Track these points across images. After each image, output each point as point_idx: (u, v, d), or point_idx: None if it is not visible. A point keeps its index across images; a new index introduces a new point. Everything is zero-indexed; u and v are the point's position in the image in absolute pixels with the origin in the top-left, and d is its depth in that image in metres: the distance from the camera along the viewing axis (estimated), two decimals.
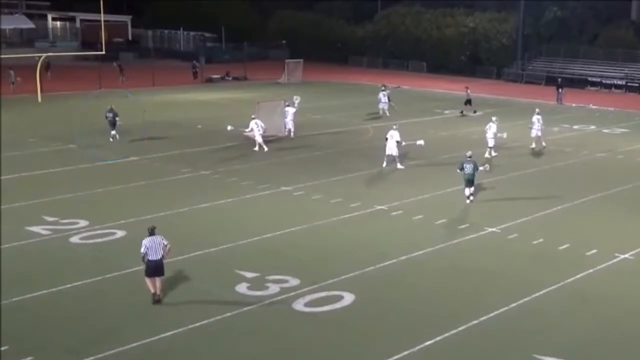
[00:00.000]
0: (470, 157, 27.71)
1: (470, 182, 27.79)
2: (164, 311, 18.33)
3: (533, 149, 37.89)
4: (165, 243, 18.66)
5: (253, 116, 37.05)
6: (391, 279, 20.76)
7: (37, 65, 53.13)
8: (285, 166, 33.68)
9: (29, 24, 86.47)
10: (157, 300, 18.67)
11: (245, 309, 18.44)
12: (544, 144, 38.30)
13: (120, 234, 23.81)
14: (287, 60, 69.72)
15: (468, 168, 27.56)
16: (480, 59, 75.06)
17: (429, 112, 50.49)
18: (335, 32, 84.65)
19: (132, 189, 29.42)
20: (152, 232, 18.62)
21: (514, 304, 18.95)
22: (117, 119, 38.23)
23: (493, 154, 35.08)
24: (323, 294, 19.39)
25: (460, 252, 22.90)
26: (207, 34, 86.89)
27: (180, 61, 78.73)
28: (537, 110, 39.00)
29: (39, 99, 48.69)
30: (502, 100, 56.59)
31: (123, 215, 25.46)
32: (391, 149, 32.85)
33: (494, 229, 24.88)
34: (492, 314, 18.35)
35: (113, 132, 38.27)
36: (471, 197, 27.91)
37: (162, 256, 18.57)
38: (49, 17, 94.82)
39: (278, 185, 29.98)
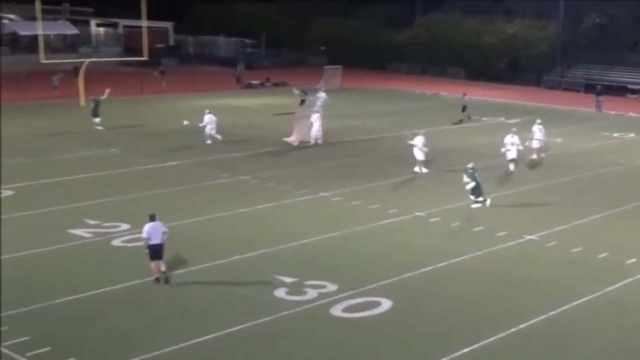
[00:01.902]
0: (472, 168, 27.96)
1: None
2: (203, 315, 18.53)
3: (533, 159, 36.46)
4: (165, 230, 20.19)
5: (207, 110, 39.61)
6: (429, 285, 20.81)
7: (79, 70, 53.96)
8: (324, 172, 33.83)
9: (73, 30, 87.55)
10: (166, 281, 20.12)
11: (283, 313, 18.59)
12: (543, 155, 37.01)
13: None
14: (325, 67, 69.88)
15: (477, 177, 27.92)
16: (519, 66, 74.64)
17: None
18: (374, 38, 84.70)
19: (172, 194, 29.75)
20: (152, 219, 20.22)
21: (552, 312, 18.89)
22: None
23: (511, 168, 34.42)
24: (361, 299, 19.47)
25: (499, 260, 22.86)
26: (247, 40, 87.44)
27: (220, 67, 79.35)
28: (538, 120, 37.87)
29: (82, 103, 49.34)
30: (540, 108, 56.20)
31: (163, 219, 25.60)
32: (417, 154, 33.25)
33: (532, 237, 24.81)
34: (530, 322, 18.31)
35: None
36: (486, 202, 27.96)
37: (163, 241, 20.09)
38: (92, 23, 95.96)
39: (317, 190, 30.14)
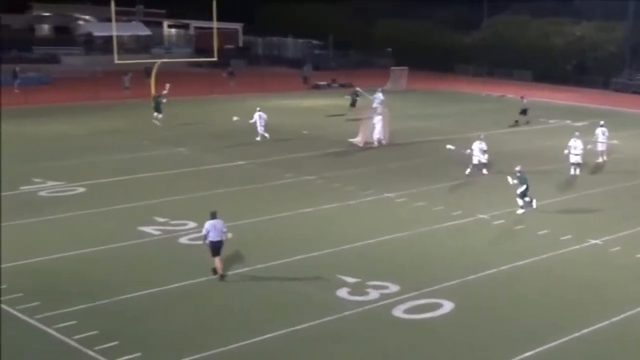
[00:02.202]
0: (520, 171, 27.71)
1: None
2: (265, 313, 18.82)
3: (597, 163, 36.25)
4: (225, 230, 20.78)
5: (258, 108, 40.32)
6: (492, 288, 20.81)
7: (151, 71, 55.07)
8: (388, 173, 33.96)
9: (146, 31, 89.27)
10: (221, 277, 20.61)
11: (345, 313, 18.77)
12: (605, 158, 36.58)
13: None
14: (392, 68, 69.92)
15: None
16: (587, 68, 73.52)
17: (534, 121, 49.86)
18: (441, 40, 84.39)
19: (238, 193, 30.22)
20: (214, 216, 20.77)
21: (616, 318, 18.73)
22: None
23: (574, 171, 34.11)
24: (423, 301, 19.57)
25: (563, 263, 22.73)
26: (314, 41, 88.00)
27: (288, 68, 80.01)
28: (601, 122, 37.37)
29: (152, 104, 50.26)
30: (608, 111, 55.35)
31: (229, 218, 25.95)
32: (477, 157, 33.25)
33: (596, 241, 24.59)
34: (594, 327, 18.20)
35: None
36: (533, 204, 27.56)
37: (222, 239, 20.65)
38: (165, 24, 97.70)
39: (381, 191, 30.29)
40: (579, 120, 49.26)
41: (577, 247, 24.13)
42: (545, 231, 25.58)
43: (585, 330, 18.00)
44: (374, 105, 45.92)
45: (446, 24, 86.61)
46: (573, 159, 33.61)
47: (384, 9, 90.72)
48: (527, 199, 27.46)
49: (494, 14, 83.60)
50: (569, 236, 24.99)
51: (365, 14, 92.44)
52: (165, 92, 45.19)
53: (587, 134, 35.92)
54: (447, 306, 19.25)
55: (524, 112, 48.49)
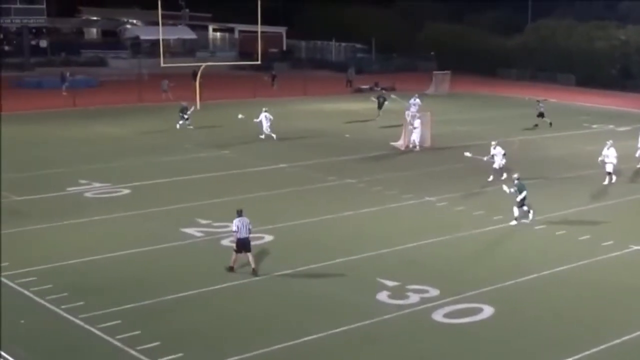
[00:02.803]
0: (518, 178, 26.81)
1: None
2: (305, 315, 19.03)
3: (639, 168, 35.88)
4: (251, 227, 21.51)
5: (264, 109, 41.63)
6: (532, 293, 20.77)
7: (196, 74, 55.70)
8: (429, 177, 33.98)
9: (192, 35, 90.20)
10: (254, 273, 21.32)
11: (385, 317, 18.89)
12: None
13: (268, 238, 24.73)
14: (435, 72, 69.76)
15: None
16: (632, 73, 72.59)
17: (577, 126, 49.50)
18: (484, 44, 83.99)
19: (280, 195, 30.49)
20: (240, 214, 21.48)
21: None
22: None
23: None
24: (463, 305, 19.62)
25: (604, 269, 22.62)
26: (357, 45, 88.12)
27: (331, 71, 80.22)
28: None
29: (197, 107, 50.86)
30: None
31: (271, 220, 26.46)
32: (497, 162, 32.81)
33: (638, 247, 24.39)
34: (635, 334, 18.10)
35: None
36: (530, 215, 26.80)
37: (249, 235, 21.39)
38: (210, 28, 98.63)
39: (422, 195, 30.35)
40: (622, 125, 48.78)
41: (619, 253, 23.96)
42: (586, 237, 25.44)
43: (625, 337, 17.91)
44: (412, 109, 45.81)
45: (490, 28, 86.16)
46: (607, 167, 32.71)
47: (427, 12, 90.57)
48: (525, 208, 26.81)
49: (538, 17, 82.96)
50: (611, 242, 24.83)
51: (410, 18, 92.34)
52: (189, 111, 45.10)
53: (628, 139, 35.45)
54: (487, 311, 19.27)
55: (541, 115, 48.12)
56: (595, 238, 25.27)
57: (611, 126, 48.92)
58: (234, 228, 21.32)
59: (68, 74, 62.25)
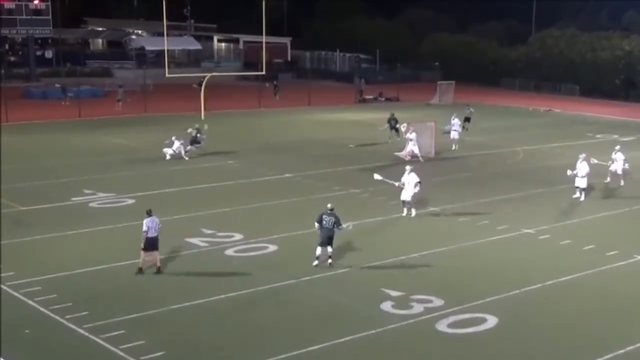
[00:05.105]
0: (331, 209, 23.20)
1: (328, 240, 22.87)
2: (310, 326, 19.05)
3: None
4: (160, 226, 22.27)
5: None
6: (536, 303, 20.75)
7: (202, 84, 55.84)
8: (433, 186, 33.87)
9: (197, 45, 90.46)
10: (158, 271, 22.10)
11: (389, 327, 18.88)
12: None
13: (272, 248, 24.79)
14: (439, 82, 69.87)
15: (327, 222, 22.85)
16: (636, 83, 72.60)
17: (581, 136, 49.52)
18: (488, 54, 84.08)
19: (284, 205, 30.51)
20: (150, 214, 22.23)
21: None
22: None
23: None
24: (467, 315, 19.61)
25: (608, 279, 22.59)
26: (362, 55, 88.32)
27: (336, 82, 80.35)
28: None
29: (202, 117, 50.96)
30: None
31: (276, 230, 26.49)
32: (406, 194, 28.88)
33: None
34: (639, 344, 18.08)
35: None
36: (329, 261, 22.86)
37: (157, 234, 22.08)
38: (215, 38, 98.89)
39: (426, 205, 30.32)
40: (626, 135, 48.81)
41: (623, 262, 23.95)
42: (590, 246, 25.43)
43: (629, 348, 17.90)
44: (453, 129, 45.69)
45: (494, 38, 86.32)
46: (578, 182, 31.53)
47: (432, 23, 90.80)
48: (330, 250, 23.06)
49: (542, 28, 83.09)
50: (615, 252, 24.81)
51: (414, 28, 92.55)
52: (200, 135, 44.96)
53: (632, 149, 35.37)
54: (491, 321, 19.26)
55: (467, 119, 48.68)
56: (599, 248, 25.25)
57: (615, 136, 48.91)
58: (144, 228, 21.97)
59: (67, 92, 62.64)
